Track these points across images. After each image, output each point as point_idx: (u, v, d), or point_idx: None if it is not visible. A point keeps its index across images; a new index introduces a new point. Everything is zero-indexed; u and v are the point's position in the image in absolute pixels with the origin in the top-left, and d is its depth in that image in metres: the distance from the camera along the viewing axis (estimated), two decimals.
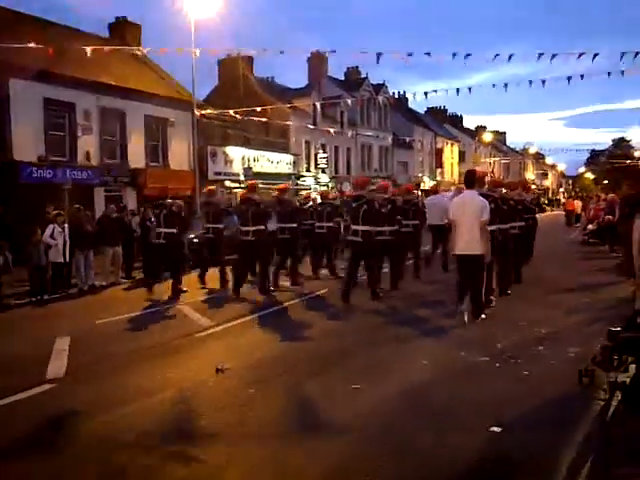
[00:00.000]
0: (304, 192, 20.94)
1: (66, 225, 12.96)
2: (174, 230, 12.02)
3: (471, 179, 8.42)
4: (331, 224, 13.37)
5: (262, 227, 11.19)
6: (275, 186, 17.56)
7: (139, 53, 25.13)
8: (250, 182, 13.07)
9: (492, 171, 60.55)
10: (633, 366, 4.86)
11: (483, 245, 7.87)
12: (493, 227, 8.66)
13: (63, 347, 7.45)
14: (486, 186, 9.17)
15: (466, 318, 8.03)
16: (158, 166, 23.79)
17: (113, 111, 21.78)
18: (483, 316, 8.15)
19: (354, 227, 10.14)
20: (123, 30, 25.97)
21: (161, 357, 6.89)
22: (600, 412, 4.61)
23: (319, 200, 14.72)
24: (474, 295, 8.14)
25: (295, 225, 12.44)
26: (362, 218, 9.98)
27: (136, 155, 22.68)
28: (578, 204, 32.98)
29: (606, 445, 3.90)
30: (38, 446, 4.48)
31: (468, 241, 7.96)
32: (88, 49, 15.45)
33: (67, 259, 12.93)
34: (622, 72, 18.56)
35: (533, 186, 24.95)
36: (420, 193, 15.52)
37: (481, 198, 8.15)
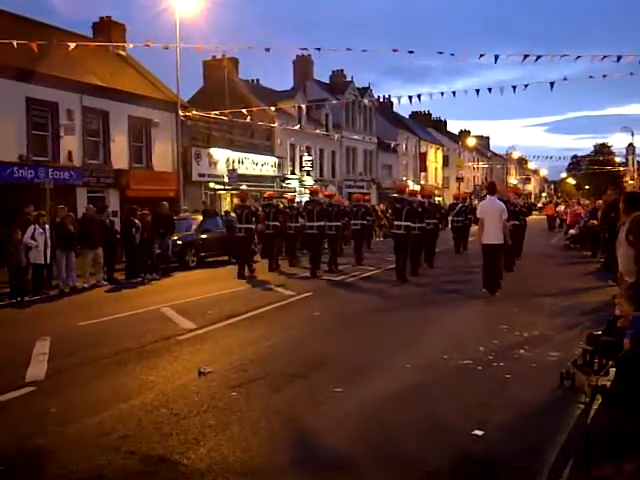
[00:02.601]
0: (289, 194, 21.30)
1: (47, 226, 12.81)
2: (252, 226, 14.79)
3: (493, 189, 11.59)
4: (322, 223, 14.89)
5: (322, 223, 14.41)
6: (289, 194, 21.24)
7: (123, 53, 25.07)
8: (314, 188, 17.70)
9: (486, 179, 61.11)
10: (613, 370, 4.90)
11: (502, 236, 10.52)
12: (512, 222, 12.33)
13: (43, 350, 7.35)
14: (497, 194, 11.85)
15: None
16: (142, 167, 23.62)
17: (96, 111, 21.58)
18: (497, 294, 10.56)
19: (397, 223, 12.84)
20: (107, 30, 25.71)
21: (143, 360, 6.83)
22: (581, 415, 4.64)
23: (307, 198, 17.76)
24: (494, 275, 10.68)
25: (339, 223, 15.40)
26: (405, 216, 12.59)
27: (119, 156, 22.50)
28: (561, 209, 33.27)
29: (587, 447, 3.93)
30: (17, 450, 4.41)
31: (491, 233, 10.52)
32: (71, 45, 15.34)
33: (48, 260, 12.78)
34: (604, 76, 18.86)
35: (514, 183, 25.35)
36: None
37: (500, 202, 10.96)
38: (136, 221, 14.97)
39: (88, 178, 20.96)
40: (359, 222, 17.10)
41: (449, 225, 20.85)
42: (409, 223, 12.68)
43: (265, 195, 18.60)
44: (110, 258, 14.62)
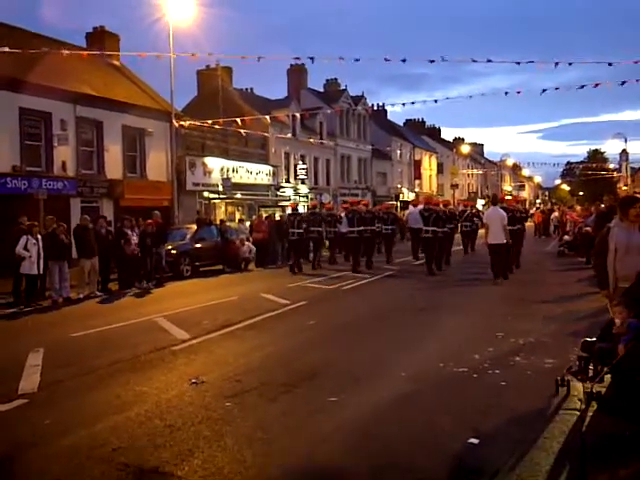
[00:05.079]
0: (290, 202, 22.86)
1: (39, 236, 12.77)
2: (320, 229, 18.20)
3: (495, 200, 15.12)
4: (320, 228, 18.31)
5: (361, 228, 17.11)
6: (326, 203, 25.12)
7: (117, 63, 25.09)
8: (353, 199, 23.35)
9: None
10: (608, 376, 4.90)
11: (504, 237, 13.29)
12: (512, 227, 14.47)
13: (36, 361, 7.30)
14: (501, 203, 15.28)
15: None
16: (136, 177, 23.58)
17: (90, 121, 21.56)
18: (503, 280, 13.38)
19: (425, 228, 15.73)
20: (101, 39, 25.73)
21: (137, 371, 6.79)
22: (576, 422, 4.63)
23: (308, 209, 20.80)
24: (498, 267, 13.50)
25: (374, 228, 18.13)
26: (431, 222, 15.59)
27: (113, 166, 22.46)
28: (555, 215, 33.33)
29: (582, 454, 3.92)
30: (9, 463, 4.36)
31: (495, 235, 13.35)
32: (65, 52, 15.34)
33: (41, 271, 12.73)
34: (596, 85, 18.99)
35: (509, 197, 25.77)
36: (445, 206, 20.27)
37: (502, 210, 13.84)
38: (128, 231, 14.97)
39: (82, 188, 20.89)
40: (390, 227, 19.73)
41: (459, 229, 22.73)
42: (435, 228, 15.56)
43: (289, 205, 22.40)
44: (104, 268, 14.56)
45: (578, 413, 4.78)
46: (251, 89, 40.73)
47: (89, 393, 6.00)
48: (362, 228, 17.21)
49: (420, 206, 18.25)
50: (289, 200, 33.03)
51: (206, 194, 27.19)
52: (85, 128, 21.47)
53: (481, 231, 20.03)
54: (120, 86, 24.31)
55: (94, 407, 5.52)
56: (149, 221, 16.08)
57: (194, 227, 19.37)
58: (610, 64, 15.23)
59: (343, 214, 19.32)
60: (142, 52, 17.05)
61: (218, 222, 21.48)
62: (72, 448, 4.55)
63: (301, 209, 28.51)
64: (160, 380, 6.37)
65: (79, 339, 8.79)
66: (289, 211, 20.02)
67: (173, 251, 16.86)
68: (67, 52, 15.08)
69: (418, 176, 56.82)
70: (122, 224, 15.40)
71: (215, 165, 27.89)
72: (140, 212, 18.40)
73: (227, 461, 4.23)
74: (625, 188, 47.86)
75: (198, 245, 18.09)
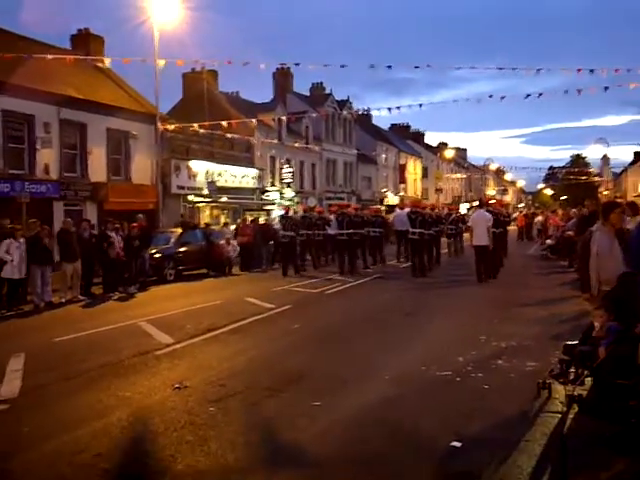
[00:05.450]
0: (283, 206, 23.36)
1: (22, 240, 12.63)
2: (310, 232, 18.51)
3: (481, 202, 16.79)
4: (310, 232, 18.67)
5: (350, 231, 17.26)
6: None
7: (102, 65, 24.92)
8: (341, 203, 22.34)
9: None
10: (589, 379, 4.95)
11: (488, 239, 13.87)
12: (496, 230, 15.15)
13: (17, 366, 7.21)
14: (486, 207, 15.76)
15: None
16: (120, 180, 23.44)
17: (74, 124, 21.40)
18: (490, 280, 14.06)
19: (412, 230, 15.95)
20: (86, 42, 25.60)
21: (119, 376, 6.74)
22: (558, 425, 4.67)
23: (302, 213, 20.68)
24: (483, 267, 14.11)
25: (363, 231, 18.08)
26: (418, 225, 15.82)
27: (97, 169, 22.31)
28: (539, 219, 33.58)
29: (563, 457, 3.95)
30: None
31: (480, 237, 13.96)
32: (49, 57, 15.22)
33: (24, 275, 12.59)
34: (579, 91, 19.22)
35: (492, 201, 26.19)
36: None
37: (487, 213, 14.56)
38: (111, 234, 14.86)
39: (65, 191, 20.74)
40: (378, 230, 19.79)
41: (445, 232, 23.10)
42: (422, 230, 15.86)
43: (283, 208, 22.12)
44: (88, 272, 14.42)
45: (559, 415, 4.82)
46: (237, 92, 40.69)
47: (71, 398, 5.94)
48: (352, 231, 17.44)
49: (407, 209, 18.96)
50: (274, 204, 33.08)
51: (191, 197, 27.09)
52: (69, 131, 21.30)
53: (466, 235, 20.65)
54: (105, 88, 24.17)
55: (76, 412, 5.47)
56: (133, 224, 15.98)
57: (179, 231, 19.27)
58: (592, 71, 15.45)
59: (332, 216, 19.51)
60: (128, 55, 17.04)
61: (203, 226, 21.40)
62: (53, 454, 4.51)
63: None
64: (143, 385, 6.32)
65: (61, 344, 8.70)
66: (281, 214, 20.03)
67: (157, 255, 16.76)
68: (51, 56, 14.91)
69: (403, 180, 57.07)
70: (105, 227, 15.29)
71: (200, 168, 27.80)
72: (124, 215, 18.28)
73: (210, 466, 4.21)
74: (606, 193, 48.48)
75: (182, 249, 17.99)
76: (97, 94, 22.80)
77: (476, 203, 30.40)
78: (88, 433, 4.90)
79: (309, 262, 18.96)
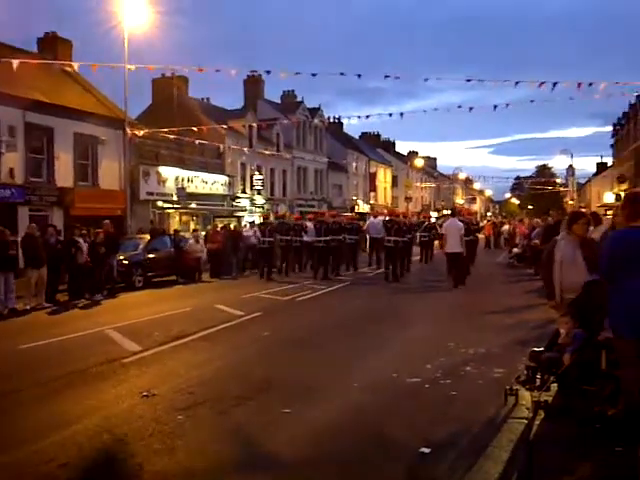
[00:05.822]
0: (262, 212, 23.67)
1: None
2: (288, 237, 19.01)
3: (454, 211, 17.34)
4: (289, 237, 18.99)
5: (328, 238, 17.73)
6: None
7: (69, 69, 24.52)
8: (322, 211, 23.25)
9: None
10: (555, 385, 5.05)
11: (461, 247, 14.63)
12: (466, 238, 15.76)
13: None
14: (459, 216, 16.74)
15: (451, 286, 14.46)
16: (87, 185, 23.07)
17: (40, 128, 21.01)
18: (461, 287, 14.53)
19: (388, 237, 16.63)
20: (53, 46, 25.18)
21: (86, 384, 6.63)
22: (524, 431, 4.74)
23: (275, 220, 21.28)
24: (456, 274, 14.66)
25: (340, 238, 18.56)
26: (393, 232, 16.49)
27: (64, 174, 21.93)
28: (505, 228, 34.12)
29: (529, 463, 4.01)
30: None
31: (453, 245, 14.60)
32: (15, 62, 14.93)
33: None
34: (544, 101, 19.69)
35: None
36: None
37: (459, 222, 15.23)
38: (79, 240, 14.62)
39: (30, 196, 20.33)
40: (353, 237, 20.26)
41: (417, 239, 23.65)
42: (397, 238, 16.43)
43: (262, 215, 23.54)
44: (53, 279, 14.14)
45: (526, 421, 4.89)
46: (207, 99, 40.50)
47: (36, 406, 5.82)
48: (330, 238, 17.87)
49: (380, 217, 19.79)
50: (245, 210, 32.98)
51: (160, 204, 26.82)
52: (35, 135, 20.91)
53: (437, 242, 21.26)
54: (72, 93, 23.81)
55: (41, 421, 5.35)
56: (98, 230, 15.73)
57: (147, 237, 19.05)
58: (555, 84, 15.84)
59: (309, 223, 19.88)
60: (97, 59, 16.72)
61: (172, 232, 21.20)
62: (15, 465, 4.41)
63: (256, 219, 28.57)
64: (110, 393, 6.23)
65: (26, 351, 8.51)
66: (257, 221, 20.75)
67: (125, 261, 16.53)
68: (17, 61, 14.59)
69: (373, 188, 57.42)
70: (72, 233, 15.02)
71: (170, 174, 27.56)
72: (92, 221, 18.01)
73: (179, 475, 4.16)
74: (571, 202, 49.46)
75: (151, 255, 17.78)
76: (64, 98, 22.44)
77: (447, 212, 31.52)
78: (54, 442, 4.80)
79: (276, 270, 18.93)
